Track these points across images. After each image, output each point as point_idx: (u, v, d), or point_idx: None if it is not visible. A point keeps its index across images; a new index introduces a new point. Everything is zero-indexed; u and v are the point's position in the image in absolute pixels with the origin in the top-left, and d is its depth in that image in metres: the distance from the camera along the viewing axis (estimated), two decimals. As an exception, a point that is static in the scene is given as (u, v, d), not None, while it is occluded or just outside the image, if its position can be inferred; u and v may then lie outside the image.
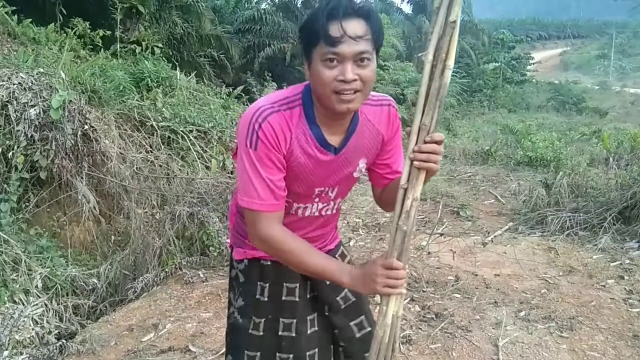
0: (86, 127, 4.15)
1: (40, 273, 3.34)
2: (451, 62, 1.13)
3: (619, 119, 20.39)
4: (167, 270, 3.72)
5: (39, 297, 3.22)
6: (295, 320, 1.47)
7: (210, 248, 3.96)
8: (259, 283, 1.47)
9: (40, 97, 3.95)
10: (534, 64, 31.32)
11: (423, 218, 5.47)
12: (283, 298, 1.46)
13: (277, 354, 1.46)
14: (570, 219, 4.77)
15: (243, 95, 8.19)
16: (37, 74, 4.14)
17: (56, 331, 3.10)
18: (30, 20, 6.40)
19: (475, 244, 4.43)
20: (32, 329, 2.93)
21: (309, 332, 1.49)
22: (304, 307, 1.49)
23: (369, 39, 1.16)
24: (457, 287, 3.51)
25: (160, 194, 4.56)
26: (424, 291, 3.45)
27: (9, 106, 3.81)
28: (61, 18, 7.52)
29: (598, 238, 4.35)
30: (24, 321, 2.91)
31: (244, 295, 1.51)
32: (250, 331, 1.47)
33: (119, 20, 7.52)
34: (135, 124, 5.11)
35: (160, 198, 4.56)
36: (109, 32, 7.61)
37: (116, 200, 4.42)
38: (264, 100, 1.27)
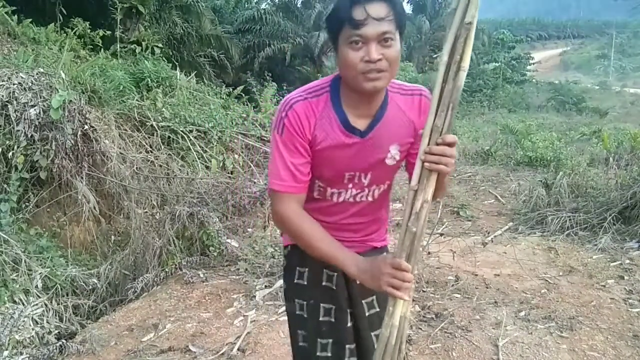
0: (86, 127, 4.15)
1: (40, 273, 3.34)
2: (466, 64, 1.14)
3: (619, 119, 20.38)
4: (167, 270, 3.72)
5: (39, 297, 3.22)
6: (334, 307, 1.49)
7: (210, 248, 3.96)
8: (297, 268, 1.53)
9: (40, 97, 3.95)
10: (534, 64, 31.31)
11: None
12: (323, 283, 1.50)
13: (318, 340, 1.49)
14: (570, 219, 4.77)
15: (243, 95, 8.19)
16: (37, 74, 4.14)
17: (56, 331, 3.10)
18: (30, 20, 6.41)
19: (475, 244, 4.43)
20: (32, 329, 2.93)
21: (348, 324, 1.50)
22: (342, 297, 1.50)
23: (392, 20, 1.20)
24: (457, 287, 3.50)
25: (160, 194, 4.56)
26: (424, 291, 3.45)
27: (9, 106, 3.81)
28: (61, 18, 7.52)
29: (598, 238, 4.35)
30: (24, 321, 2.91)
31: (286, 279, 1.58)
32: (297, 312, 1.54)
33: (119, 20, 7.53)
34: (135, 124, 5.11)
35: (160, 198, 4.56)
36: (109, 32, 7.61)
37: (116, 200, 4.42)
38: (296, 91, 1.36)
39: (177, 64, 8.24)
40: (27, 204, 3.90)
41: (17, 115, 3.82)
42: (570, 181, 5.43)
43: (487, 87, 23.57)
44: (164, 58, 7.63)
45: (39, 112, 3.86)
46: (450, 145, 1.17)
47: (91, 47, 7.32)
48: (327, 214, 1.44)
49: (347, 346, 1.49)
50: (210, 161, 5.22)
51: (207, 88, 7.20)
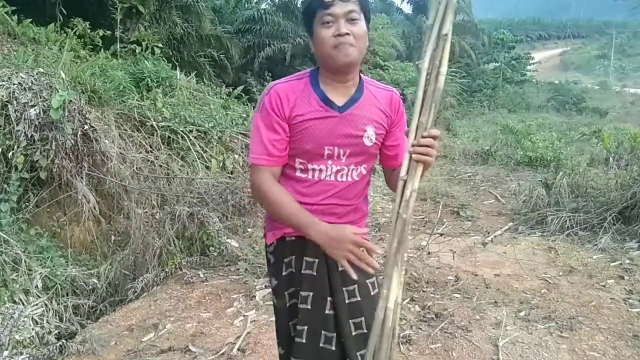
0: (86, 127, 4.15)
1: (40, 273, 3.34)
2: (444, 69, 1.30)
3: (619, 119, 20.38)
4: (167, 270, 3.72)
5: (39, 297, 3.22)
6: (311, 294, 1.53)
7: (210, 248, 3.96)
8: (284, 260, 1.58)
9: (40, 97, 3.94)
10: (534, 64, 31.29)
11: (423, 218, 5.47)
12: (302, 271, 1.54)
13: (297, 326, 1.54)
14: (570, 219, 4.77)
15: (243, 95, 8.19)
16: (37, 74, 4.14)
17: (56, 331, 3.10)
18: (30, 20, 6.39)
19: (475, 244, 4.43)
20: (32, 329, 2.93)
21: (326, 311, 1.53)
22: (322, 284, 1.53)
23: (356, 2, 1.41)
24: (457, 287, 3.50)
25: (160, 194, 4.55)
26: (424, 291, 3.45)
27: (9, 106, 3.81)
28: (61, 18, 7.51)
29: (598, 238, 4.35)
30: (24, 321, 2.91)
31: (276, 275, 1.62)
32: (287, 305, 1.59)
33: (119, 20, 7.52)
34: (135, 124, 5.11)
35: (160, 198, 4.56)
36: (109, 32, 7.60)
37: (116, 200, 4.42)
38: (278, 80, 1.52)
39: (177, 64, 8.23)
40: (27, 204, 3.89)
41: (17, 115, 3.81)
42: (570, 181, 5.44)
43: (487, 87, 23.57)
44: (164, 58, 7.62)
45: (39, 112, 3.86)
46: (434, 138, 1.32)
47: (91, 47, 7.30)
48: (309, 195, 1.51)
49: (324, 332, 1.52)
50: (210, 161, 5.22)
51: (207, 88, 7.19)
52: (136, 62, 6.80)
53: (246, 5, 16.81)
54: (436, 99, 1.31)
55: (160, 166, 4.91)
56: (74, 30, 7.06)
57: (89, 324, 3.26)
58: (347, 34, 1.38)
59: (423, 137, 1.31)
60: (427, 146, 1.31)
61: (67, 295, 3.44)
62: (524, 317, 3.06)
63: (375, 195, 6.18)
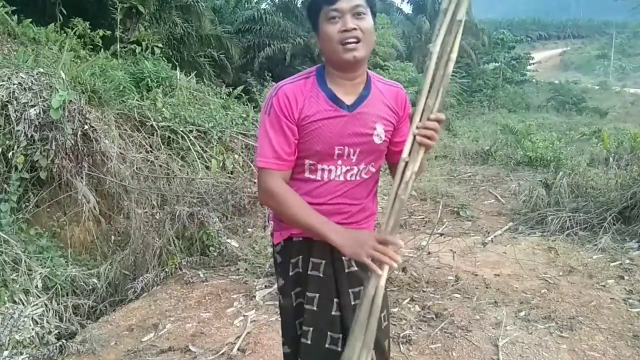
0: (86, 127, 4.15)
1: (40, 273, 3.34)
2: (455, 55, 1.29)
3: (619, 119, 20.38)
4: (167, 270, 3.72)
5: (39, 297, 3.22)
6: (318, 295, 1.52)
7: (210, 248, 3.96)
8: (290, 260, 1.56)
9: (40, 97, 3.94)
10: (534, 64, 31.31)
11: (423, 218, 5.47)
12: (308, 272, 1.53)
13: (302, 326, 1.54)
14: (570, 219, 4.77)
15: (243, 95, 8.19)
16: (37, 74, 4.14)
17: (56, 331, 3.10)
18: (30, 20, 6.39)
19: (475, 244, 4.43)
20: (32, 329, 2.93)
21: (333, 312, 1.52)
22: (328, 285, 1.52)
23: None
24: (457, 287, 3.50)
25: (160, 194, 4.56)
26: (424, 291, 3.45)
27: (9, 106, 3.81)
28: (61, 18, 7.51)
29: (598, 238, 4.35)
30: (24, 321, 2.91)
31: (282, 275, 1.60)
32: (294, 304, 1.58)
33: (119, 20, 7.52)
34: (135, 124, 5.11)
35: (160, 198, 4.56)
36: (109, 32, 7.60)
37: (116, 200, 4.42)
38: (285, 79, 1.49)
39: (177, 64, 8.23)
40: (27, 204, 3.89)
41: (17, 115, 3.81)
42: (570, 181, 5.44)
43: (487, 87, 23.57)
44: (164, 58, 7.62)
45: (39, 112, 3.86)
46: (439, 122, 1.31)
47: (91, 47, 7.31)
48: (317, 196, 1.49)
49: (329, 333, 1.51)
50: (210, 161, 5.22)
51: (207, 88, 7.19)
52: (136, 62, 6.80)
53: (246, 5, 16.82)
54: (445, 84, 1.31)
55: (160, 166, 4.91)
56: (74, 30, 7.07)
57: (89, 324, 3.26)
58: (354, 29, 1.36)
59: (429, 119, 1.31)
60: (432, 129, 1.30)
61: (67, 295, 3.44)
62: (524, 317, 3.06)
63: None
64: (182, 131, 5.31)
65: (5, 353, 2.63)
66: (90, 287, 3.59)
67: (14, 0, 6.47)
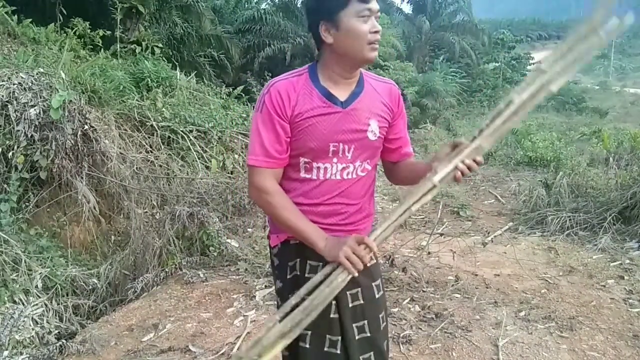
0: (86, 127, 4.15)
1: (40, 273, 3.34)
2: (524, 113, 1.31)
3: (619, 119, 20.38)
4: (167, 270, 3.72)
5: (39, 297, 3.22)
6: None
7: (210, 248, 3.96)
8: (288, 263, 1.55)
9: (40, 97, 3.95)
10: (534, 64, 31.28)
11: (423, 218, 5.47)
12: (306, 275, 1.51)
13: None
14: (570, 219, 4.77)
15: (243, 95, 8.19)
16: (37, 74, 4.14)
17: (56, 331, 3.10)
18: (30, 20, 6.40)
19: (475, 244, 4.43)
20: (32, 329, 2.93)
21: (331, 315, 1.50)
22: None
23: None
24: (457, 287, 3.50)
25: (160, 194, 4.56)
26: (424, 291, 3.45)
27: (9, 106, 3.81)
28: (61, 18, 7.51)
29: (598, 238, 4.35)
30: (24, 321, 2.91)
31: (280, 277, 1.59)
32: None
33: (119, 20, 7.52)
34: (135, 124, 5.11)
35: (160, 198, 4.56)
36: (109, 32, 7.60)
37: (116, 200, 4.42)
38: (277, 77, 1.47)
39: (177, 64, 8.23)
40: (27, 204, 3.90)
41: (17, 115, 3.81)
42: (570, 181, 5.44)
43: (487, 87, 23.53)
44: (164, 58, 7.63)
45: (39, 112, 3.86)
46: (479, 164, 1.35)
47: (91, 47, 7.31)
48: (314, 196, 1.48)
49: (328, 336, 1.50)
50: (210, 161, 5.22)
51: (207, 88, 7.19)
52: (136, 62, 6.80)
53: (246, 5, 16.81)
54: (503, 134, 1.34)
55: (160, 166, 4.91)
56: (74, 30, 7.07)
57: (89, 324, 3.26)
58: (379, 30, 1.41)
59: (475, 160, 1.33)
60: (471, 169, 1.34)
61: (67, 295, 3.44)
62: (524, 317, 3.06)
63: (375, 195, 6.16)
64: (182, 131, 5.32)
65: (5, 353, 2.63)
66: (90, 287, 3.59)
67: (14, 0, 6.47)
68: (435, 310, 3.16)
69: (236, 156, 5.64)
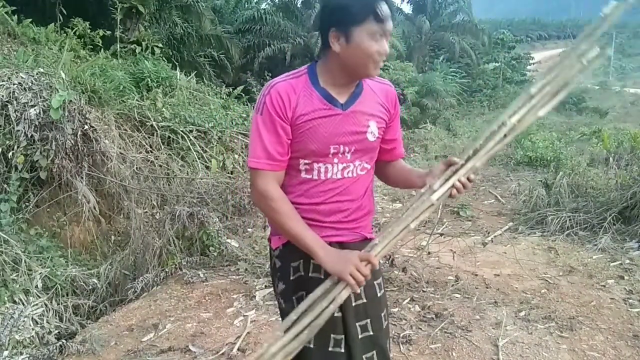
0: (86, 127, 4.15)
1: (40, 273, 3.34)
2: (513, 136, 1.38)
3: (619, 119, 20.37)
4: (167, 270, 3.72)
5: (39, 297, 3.22)
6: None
7: (210, 248, 3.96)
8: (291, 264, 1.54)
9: (40, 97, 3.95)
10: (534, 64, 31.28)
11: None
12: (310, 274, 1.51)
13: None
14: (570, 219, 4.77)
15: (243, 95, 8.19)
16: (37, 74, 4.14)
17: (56, 331, 3.10)
18: (30, 20, 6.40)
19: (475, 244, 4.43)
20: (32, 329, 2.93)
21: (335, 314, 1.49)
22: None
23: None
24: (457, 287, 3.50)
25: (160, 194, 4.56)
26: (424, 291, 3.45)
27: (9, 106, 3.81)
28: (61, 18, 7.51)
29: (598, 238, 4.35)
30: (24, 321, 2.91)
31: (283, 279, 1.58)
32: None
33: (119, 20, 7.52)
34: (135, 124, 5.11)
35: (160, 198, 4.56)
36: (109, 32, 7.60)
37: (116, 200, 4.42)
38: (276, 78, 1.47)
39: (177, 64, 8.24)
40: (27, 204, 3.90)
41: (17, 115, 3.81)
42: (570, 181, 5.44)
43: (487, 87, 23.54)
44: (164, 58, 7.63)
45: (39, 112, 3.86)
46: (472, 182, 1.41)
47: (91, 47, 7.31)
48: (315, 196, 1.48)
49: (332, 336, 1.50)
50: (210, 161, 5.22)
51: (207, 88, 7.19)
52: (136, 62, 6.81)
53: (246, 5, 16.80)
54: (493, 154, 1.40)
55: (160, 166, 4.91)
56: (74, 30, 7.07)
57: (89, 324, 3.26)
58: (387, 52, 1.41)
59: (469, 179, 1.39)
60: (465, 188, 1.39)
61: (67, 295, 3.44)
62: (524, 317, 3.06)
63: (375, 195, 6.17)
64: (182, 131, 5.32)
65: (5, 353, 2.63)
66: (90, 287, 3.59)
67: (14, 0, 6.47)
68: (435, 310, 3.16)
69: (236, 156, 5.64)
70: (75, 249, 4.03)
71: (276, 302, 1.69)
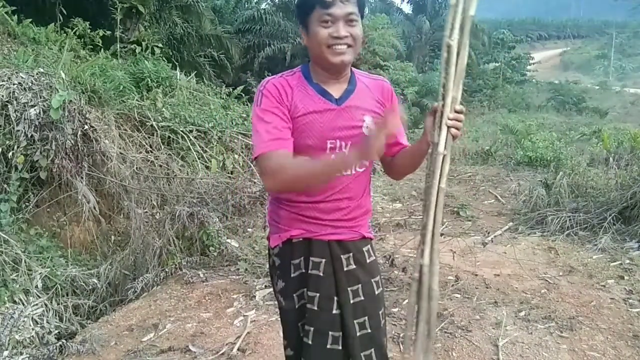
0: (86, 127, 4.15)
1: (40, 273, 3.34)
2: (467, 49, 1.39)
3: (619, 119, 20.36)
4: (167, 270, 3.72)
5: (39, 297, 3.22)
6: (318, 295, 1.52)
7: (210, 248, 3.96)
8: (291, 262, 1.56)
9: (40, 97, 3.95)
10: (534, 64, 31.27)
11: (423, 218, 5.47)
12: (309, 271, 1.53)
13: (305, 326, 1.53)
14: (570, 219, 4.77)
15: (243, 95, 8.19)
16: (37, 74, 4.14)
17: (56, 331, 3.10)
18: (30, 20, 6.40)
19: (475, 244, 4.43)
20: (32, 329, 2.93)
21: (333, 311, 1.52)
22: (328, 284, 1.52)
23: (355, 3, 1.41)
24: (457, 287, 3.51)
25: (160, 194, 4.56)
26: (424, 291, 3.45)
27: (9, 106, 3.81)
28: (61, 18, 7.51)
29: (598, 238, 4.35)
30: (24, 321, 2.91)
31: (282, 277, 1.59)
32: (296, 307, 1.57)
33: (119, 20, 7.52)
34: (135, 124, 5.11)
35: (160, 198, 4.56)
36: (109, 32, 7.60)
37: (116, 200, 4.42)
38: (271, 76, 1.51)
39: (177, 64, 8.24)
40: (27, 204, 3.90)
41: (17, 115, 3.81)
42: (570, 181, 5.43)
43: (487, 87, 23.54)
44: (164, 58, 7.62)
45: (39, 112, 3.86)
46: (462, 112, 1.38)
47: (91, 47, 7.31)
48: (314, 194, 1.49)
49: (331, 333, 1.51)
50: (210, 161, 5.22)
51: (207, 88, 7.20)
52: (136, 62, 6.80)
53: (246, 5, 16.80)
54: (462, 75, 1.39)
55: (160, 166, 4.91)
56: (74, 30, 7.07)
57: (89, 324, 3.26)
58: (346, 36, 1.39)
59: (456, 111, 1.37)
60: (460, 120, 1.37)
61: (67, 295, 3.44)
62: (524, 317, 3.06)
63: (375, 195, 6.18)
64: (182, 131, 5.32)
65: (5, 353, 2.63)
66: (90, 287, 3.60)
67: (14, 0, 6.47)
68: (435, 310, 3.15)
69: (236, 156, 5.64)
70: (75, 249, 4.03)
71: (276, 302, 1.69)
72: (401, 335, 2.83)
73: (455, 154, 9.38)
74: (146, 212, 4.31)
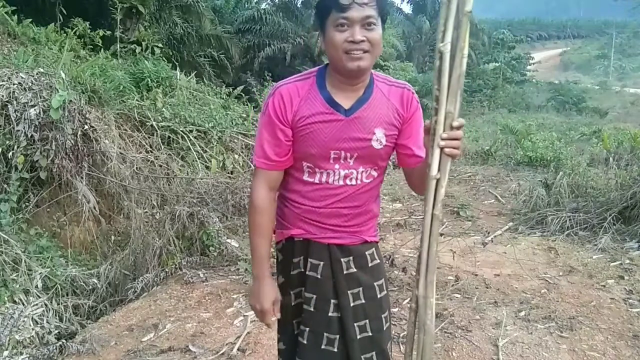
0: (86, 127, 4.15)
1: (40, 273, 3.34)
2: (467, 52, 1.21)
3: (619, 119, 20.37)
4: (167, 270, 3.72)
5: (39, 297, 3.22)
6: (315, 297, 1.52)
7: (210, 248, 3.96)
8: (293, 260, 1.57)
9: (40, 97, 3.95)
10: (534, 64, 31.33)
11: (423, 218, 5.47)
12: (307, 272, 1.53)
13: (300, 325, 1.55)
14: (570, 219, 4.77)
15: (243, 95, 8.19)
16: (37, 74, 4.14)
17: (56, 331, 3.10)
18: (30, 20, 6.40)
19: (475, 244, 4.43)
20: (32, 329, 2.93)
21: (330, 314, 1.51)
22: (325, 287, 1.52)
23: (374, 6, 1.33)
24: (457, 287, 3.50)
25: (160, 194, 4.56)
26: (424, 291, 3.45)
27: (9, 106, 3.81)
28: (61, 18, 7.52)
29: (598, 238, 4.35)
30: (24, 321, 2.91)
31: (283, 273, 1.61)
32: (292, 304, 1.58)
33: (119, 20, 7.53)
34: (135, 124, 5.11)
35: (160, 198, 4.56)
36: (109, 32, 7.61)
37: (116, 200, 4.42)
38: (284, 79, 1.49)
39: (177, 64, 8.24)
40: (27, 204, 3.90)
41: (17, 115, 3.81)
42: (570, 181, 5.43)
43: (487, 87, 23.57)
44: (164, 58, 7.63)
45: (39, 112, 3.86)
46: (459, 128, 1.25)
47: (91, 47, 7.31)
48: (316, 199, 1.49)
49: (326, 334, 1.51)
50: (210, 161, 5.22)
51: (207, 88, 7.20)
52: (136, 62, 6.81)
53: (246, 5, 16.82)
54: (461, 85, 1.21)
55: (160, 166, 4.91)
56: (74, 30, 7.07)
57: (89, 324, 3.26)
58: (362, 40, 1.32)
59: (452, 128, 1.23)
60: (458, 139, 1.24)
61: (67, 295, 3.44)
62: (524, 317, 3.06)
63: (376, 196, 6.17)
64: (182, 131, 5.32)
65: (5, 353, 2.63)
66: (90, 287, 3.60)
67: (14, 0, 6.47)
68: (435, 310, 3.14)
69: (236, 156, 5.64)
70: (75, 249, 4.03)
71: None
72: (401, 335, 2.83)
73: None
74: (146, 212, 4.31)
